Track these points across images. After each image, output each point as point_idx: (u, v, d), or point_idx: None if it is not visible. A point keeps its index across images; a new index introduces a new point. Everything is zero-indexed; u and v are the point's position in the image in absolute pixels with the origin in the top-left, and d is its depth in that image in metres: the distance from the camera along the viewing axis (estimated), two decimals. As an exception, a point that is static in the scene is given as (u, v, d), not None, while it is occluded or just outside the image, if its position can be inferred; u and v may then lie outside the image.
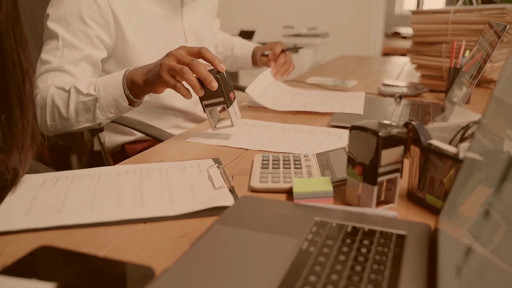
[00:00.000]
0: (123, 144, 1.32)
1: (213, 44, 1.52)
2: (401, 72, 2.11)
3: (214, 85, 0.92)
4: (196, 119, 1.40)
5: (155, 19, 1.26)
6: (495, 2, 2.91)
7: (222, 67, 0.95)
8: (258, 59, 1.56)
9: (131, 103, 1.03)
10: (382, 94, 1.54)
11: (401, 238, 0.58)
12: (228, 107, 0.97)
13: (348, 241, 0.57)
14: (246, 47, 1.66)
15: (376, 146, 0.65)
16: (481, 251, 0.40)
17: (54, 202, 0.69)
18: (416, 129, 0.70)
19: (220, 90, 0.94)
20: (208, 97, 0.96)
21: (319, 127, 1.13)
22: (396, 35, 5.37)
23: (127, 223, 0.64)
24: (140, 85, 0.99)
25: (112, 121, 1.21)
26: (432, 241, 0.58)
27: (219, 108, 1.00)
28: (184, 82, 0.95)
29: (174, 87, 0.94)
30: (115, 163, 1.29)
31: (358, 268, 0.51)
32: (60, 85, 1.07)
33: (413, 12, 1.87)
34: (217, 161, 0.86)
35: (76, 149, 2.44)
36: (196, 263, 0.52)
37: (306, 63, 2.72)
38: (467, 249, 0.43)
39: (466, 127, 0.67)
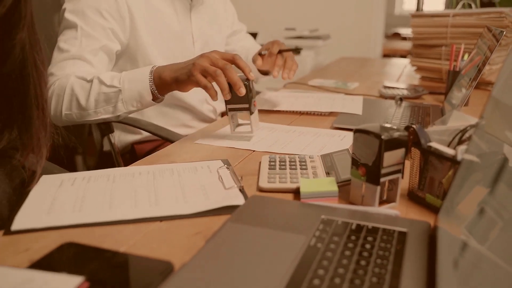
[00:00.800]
0: (132, 144, 1.36)
1: (221, 49, 1.55)
2: (402, 74, 2.15)
3: (242, 91, 0.97)
4: (203, 118, 1.44)
5: (166, 20, 1.30)
6: (494, 5, 2.94)
7: (252, 76, 1.00)
8: (254, 56, 1.41)
9: (154, 99, 1.06)
10: (383, 96, 1.58)
11: (402, 235, 0.62)
12: (251, 114, 1.02)
13: (353, 237, 0.61)
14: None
15: (379, 148, 0.68)
16: (475, 245, 0.44)
17: (74, 202, 0.73)
18: (416, 132, 0.74)
19: (246, 97, 0.99)
20: (233, 101, 1.00)
21: (323, 129, 1.17)
22: (396, 36, 5.41)
23: (143, 221, 0.68)
24: (167, 82, 1.03)
25: (123, 122, 1.25)
26: (431, 237, 0.62)
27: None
28: (214, 84, 0.99)
29: (205, 87, 0.98)
30: (124, 163, 1.33)
31: (362, 262, 0.55)
32: (81, 75, 1.10)
33: (413, 16, 1.91)
34: (226, 162, 0.90)
35: (82, 149, 2.48)
36: (211, 258, 0.56)
37: (308, 65, 2.76)
38: (463, 244, 0.47)
39: (464, 131, 0.71)
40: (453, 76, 1.46)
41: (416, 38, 1.92)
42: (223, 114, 1.56)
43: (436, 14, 1.86)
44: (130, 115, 1.27)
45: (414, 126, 0.74)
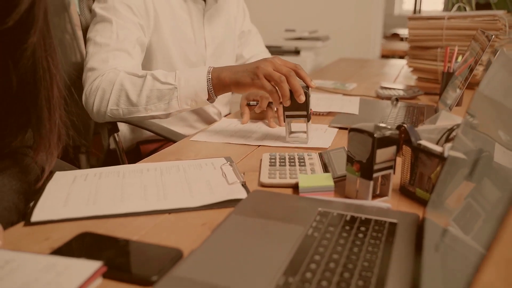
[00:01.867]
0: (137, 143, 1.41)
1: (232, 53, 1.57)
2: (399, 75, 2.20)
3: (302, 98, 1.00)
4: (208, 120, 1.49)
5: (182, 24, 1.36)
6: (491, 7, 2.99)
7: (313, 85, 1.04)
8: (242, 103, 1.33)
9: (208, 98, 1.09)
10: (379, 97, 1.63)
11: (393, 225, 0.67)
12: (308, 121, 1.06)
13: (347, 228, 0.66)
14: None
15: (372, 146, 0.74)
16: (452, 231, 0.49)
17: (88, 196, 0.78)
18: (407, 131, 0.79)
19: (305, 104, 1.02)
20: (292, 108, 1.03)
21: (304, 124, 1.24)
22: (395, 36, 5.46)
23: (153, 213, 0.73)
24: (226, 83, 1.06)
25: (129, 122, 1.30)
26: (420, 228, 0.67)
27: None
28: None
29: (270, 92, 1.01)
30: (129, 161, 1.38)
31: (355, 249, 0.60)
32: (131, 70, 1.13)
33: (410, 18, 1.96)
34: (229, 159, 0.95)
35: (86, 148, 2.53)
36: (217, 246, 0.61)
37: (307, 66, 2.81)
38: (443, 231, 0.52)
39: (451, 130, 0.76)
40: (447, 77, 1.51)
41: (413, 40, 1.97)
42: (225, 116, 1.61)
43: (431, 16, 1.91)
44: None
45: (405, 125, 0.79)
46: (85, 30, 1.39)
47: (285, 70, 1.01)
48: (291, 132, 1.11)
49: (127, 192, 0.80)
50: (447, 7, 3.44)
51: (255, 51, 1.66)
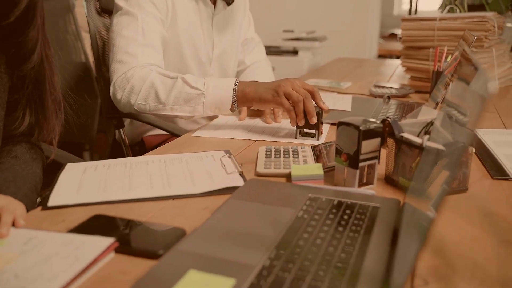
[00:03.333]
0: (142, 138, 1.48)
1: (235, 58, 1.65)
2: (393, 74, 2.27)
3: (314, 120, 1.11)
4: (211, 116, 1.57)
5: (194, 22, 1.44)
6: (484, 8, 3.06)
7: (325, 108, 1.15)
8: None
9: (231, 108, 1.19)
10: (372, 95, 1.70)
11: (375, 209, 0.74)
12: (317, 140, 1.15)
13: (334, 210, 0.73)
14: (247, 78, 1.62)
15: (358, 137, 0.81)
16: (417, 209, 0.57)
17: (98, 184, 0.85)
18: (391, 124, 0.87)
19: (317, 125, 1.13)
20: (304, 126, 1.14)
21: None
22: (393, 36, 5.53)
23: (159, 199, 0.80)
24: (249, 97, 1.16)
25: (135, 118, 1.38)
26: (400, 211, 0.74)
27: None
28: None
29: (288, 110, 1.12)
30: (134, 155, 1.45)
31: (340, 228, 0.67)
32: (162, 71, 1.21)
33: (403, 19, 2.03)
34: (227, 152, 1.02)
35: (89, 146, 2.61)
36: (216, 225, 0.68)
37: (305, 65, 2.88)
38: (413, 210, 0.59)
39: (430, 123, 0.83)
40: (437, 76, 1.58)
41: (406, 40, 2.04)
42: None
43: (424, 18, 1.98)
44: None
45: (389, 119, 0.87)
46: (93, 31, 1.46)
47: (303, 92, 1.11)
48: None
49: (134, 181, 0.87)
50: (443, 8, 3.51)
51: (257, 58, 1.74)
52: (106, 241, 0.62)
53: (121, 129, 1.45)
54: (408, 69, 2.10)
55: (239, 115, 1.33)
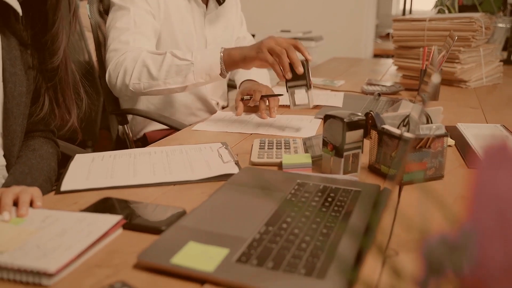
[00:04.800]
0: (144, 133, 1.56)
1: None
2: (386, 73, 2.35)
3: (301, 69, 1.15)
4: (209, 109, 1.65)
5: (187, 20, 1.52)
6: (476, 9, 3.14)
7: (310, 58, 1.18)
8: (236, 98, 1.47)
9: (220, 74, 1.25)
10: (364, 92, 1.78)
11: (357, 192, 0.82)
12: (308, 89, 1.19)
13: (319, 194, 0.81)
14: (240, 79, 1.67)
15: (342, 129, 0.89)
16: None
17: (105, 171, 0.93)
18: (374, 117, 0.94)
19: (304, 75, 1.16)
20: (293, 79, 1.17)
21: (293, 115, 1.41)
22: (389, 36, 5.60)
23: (161, 185, 0.88)
24: (236, 59, 1.22)
25: (137, 114, 1.46)
26: (379, 194, 0.82)
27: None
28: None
29: (272, 65, 1.16)
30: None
31: (324, 209, 0.75)
32: (152, 50, 1.30)
33: (394, 20, 2.11)
34: (224, 144, 1.10)
35: (92, 143, 2.69)
36: (213, 205, 0.76)
37: (301, 65, 2.96)
38: (388, 191, 0.67)
39: (408, 116, 0.91)
40: (425, 74, 1.66)
41: (397, 40, 2.12)
42: (223, 107, 1.76)
43: (414, 18, 2.06)
44: (143, 108, 1.48)
45: (372, 112, 0.94)
46: (95, 32, 1.54)
47: (285, 45, 1.16)
48: (296, 104, 1.23)
49: (138, 169, 0.95)
50: (436, 8, 3.58)
51: None
52: (115, 218, 0.70)
53: (125, 125, 1.53)
54: (400, 68, 2.18)
55: (236, 111, 1.41)
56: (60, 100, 0.96)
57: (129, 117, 1.57)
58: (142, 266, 0.61)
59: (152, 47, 1.40)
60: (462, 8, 3.47)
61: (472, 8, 3.28)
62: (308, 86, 1.18)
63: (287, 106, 1.50)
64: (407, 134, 0.84)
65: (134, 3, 1.40)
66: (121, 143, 1.60)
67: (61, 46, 0.91)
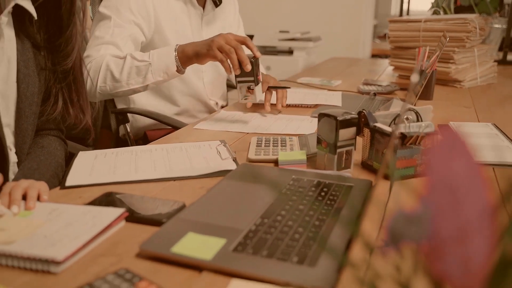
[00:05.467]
0: (144, 131, 1.60)
1: None
2: (383, 73, 2.39)
3: (249, 67, 1.21)
4: (208, 110, 1.68)
5: (183, 24, 1.56)
6: (473, 9, 3.18)
7: (258, 55, 1.25)
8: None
9: (177, 70, 1.31)
10: (360, 92, 1.82)
11: (349, 187, 0.86)
12: (255, 86, 1.26)
13: (313, 189, 0.85)
14: None
15: (336, 126, 0.92)
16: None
17: (108, 168, 0.97)
18: (366, 116, 0.98)
19: (252, 72, 1.23)
20: (242, 75, 1.24)
21: (295, 115, 1.44)
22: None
23: (161, 180, 0.92)
24: (189, 55, 1.28)
25: (139, 113, 1.50)
26: (371, 189, 0.86)
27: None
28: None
29: (221, 61, 1.22)
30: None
31: (317, 203, 0.79)
32: (115, 53, 1.35)
33: (390, 21, 2.15)
34: (223, 141, 1.14)
35: (92, 142, 2.71)
36: (211, 199, 0.80)
37: (300, 65, 3.00)
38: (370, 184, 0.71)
39: (397, 114, 0.95)
40: (420, 74, 1.69)
41: (393, 40, 2.16)
42: (222, 107, 1.80)
43: (410, 19, 2.10)
44: (146, 107, 1.52)
45: (364, 111, 0.98)
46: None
47: (234, 43, 1.22)
48: (246, 97, 1.31)
49: (140, 165, 0.98)
50: (436, 6, 3.62)
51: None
52: (118, 211, 0.74)
53: (126, 124, 1.56)
54: (396, 68, 2.21)
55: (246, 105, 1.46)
56: (75, 100, 0.99)
57: (130, 116, 1.60)
58: (144, 255, 0.64)
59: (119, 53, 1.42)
60: (459, 9, 3.51)
61: (469, 9, 3.32)
62: (255, 82, 1.26)
63: (297, 106, 1.55)
64: (389, 129, 0.88)
65: (119, 12, 1.43)
66: (122, 142, 1.63)
67: (75, 48, 0.94)
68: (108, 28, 1.40)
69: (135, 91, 1.37)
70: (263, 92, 1.43)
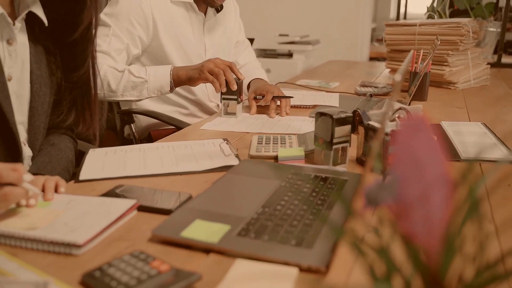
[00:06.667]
0: (149, 132, 1.67)
1: (227, 58, 1.79)
2: (380, 75, 2.46)
3: (235, 87, 1.40)
4: (208, 111, 1.75)
5: (183, 31, 1.63)
6: (469, 13, 3.24)
7: (242, 77, 1.45)
8: (249, 97, 1.59)
9: (170, 90, 1.47)
10: (357, 94, 1.88)
11: (344, 181, 0.92)
12: (238, 103, 1.45)
13: (310, 181, 0.91)
14: (248, 77, 1.78)
15: (332, 124, 0.99)
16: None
17: (118, 163, 1.03)
18: (360, 115, 1.05)
19: (237, 91, 1.41)
20: (227, 93, 1.42)
21: (295, 116, 1.50)
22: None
23: (169, 175, 0.98)
24: (182, 79, 1.45)
25: (144, 114, 1.57)
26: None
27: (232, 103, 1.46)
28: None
29: (212, 82, 1.39)
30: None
31: (314, 194, 0.85)
32: (112, 65, 1.44)
33: (387, 25, 2.21)
34: (226, 139, 1.20)
35: (96, 143, 2.77)
36: (216, 191, 0.86)
37: (299, 67, 3.07)
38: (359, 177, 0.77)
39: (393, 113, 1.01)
40: (414, 76, 1.76)
41: (390, 44, 2.22)
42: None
43: (405, 23, 2.17)
44: (150, 108, 1.58)
45: (359, 110, 1.05)
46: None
47: (222, 67, 1.39)
48: (227, 113, 1.49)
49: (148, 161, 1.05)
50: (432, 10, 3.69)
51: (248, 59, 1.95)
52: (130, 202, 0.80)
53: (131, 124, 1.63)
54: (392, 71, 2.28)
55: (250, 110, 1.53)
56: (86, 113, 1.05)
57: (134, 116, 1.67)
58: (156, 240, 0.71)
59: (115, 66, 1.49)
60: (456, 13, 3.58)
61: (465, 13, 3.39)
62: (238, 101, 1.44)
63: (296, 107, 1.61)
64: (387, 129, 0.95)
65: (118, 21, 1.51)
66: (127, 142, 1.69)
67: (88, 57, 1.00)
68: (106, 37, 1.49)
69: (128, 102, 1.50)
70: (268, 102, 1.52)
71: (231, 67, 1.41)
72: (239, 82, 1.42)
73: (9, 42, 0.93)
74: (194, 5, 1.62)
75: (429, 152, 0.30)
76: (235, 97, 1.43)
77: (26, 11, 0.94)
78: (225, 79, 1.38)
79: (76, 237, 0.68)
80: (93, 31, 0.98)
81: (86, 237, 0.68)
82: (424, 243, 0.32)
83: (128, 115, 1.64)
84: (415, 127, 0.30)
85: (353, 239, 0.36)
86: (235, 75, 1.42)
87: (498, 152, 1.11)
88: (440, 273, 0.32)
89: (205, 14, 1.68)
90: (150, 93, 1.46)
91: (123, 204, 0.79)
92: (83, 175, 0.96)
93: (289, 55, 3.18)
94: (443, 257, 0.32)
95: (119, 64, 1.48)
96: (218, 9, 1.69)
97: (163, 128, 1.66)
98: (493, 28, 3.08)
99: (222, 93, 1.42)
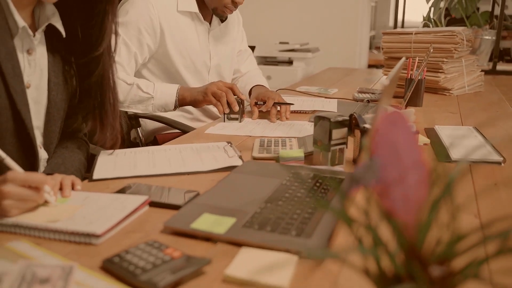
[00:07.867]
0: (155, 136, 1.73)
1: (231, 67, 1.92)
2: (377, 82, 2.52)
3: (236, 108, 1.51)
4: (211, 116, 1.82)
5: (189, 39, 1.70)
6: (464, 22, 3.32)
7: (243, 98, 1.55)
8: (251, 102, 1.64)
9: (174, 108, 1.59)
10: (355, 99, 1.95)
11: (341, 180, 0.99)
12: (239, 122, 1.54)
13: (309, 181, 0.97)
14: (250, 84, 1.86)
15: (329, 127, 1.05)
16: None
17: (129, 164, 1.10)
18: (357, 118, 1.11)
19: (239, 111, 1.53)
20: (230, 113, 1.54)
21: (296, 121, 1.56)
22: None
23: (176, 174, 1.05)
24: (186, 100, 1.58)
25: (150, 118, 1.64)
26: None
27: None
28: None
29: (216, 105, 1.52)
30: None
31: (312, 191, 0.91)
32: (122, 77, 1.52)
33: (384, 33, 2.29)
34: (229, 142, 1.27)
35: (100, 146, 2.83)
36: (222, 188, 0.93)
37: (299, 74, 3.14)
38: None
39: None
40: (409, 83, 1.83)
41: (387, 51, 2.29)
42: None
43: (402, 32, 2.24)
44: (156, 113, 1.65)
45: (355, 114, 1.11)
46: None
47: (225, 89, 1.51)
48: (231, 118, 1.56)
49: (157, 162, 1.11)
50: (428, 19, 3.77)
51: (251, 67, 2.03)
52: (142, 198, 0.87)
53: (138, 128, 1.70)
54: (389, 77, 2.35)
55: (252, 115, 1.59)
56: (104, 119, 1.11)
57: (141, 120, 1.73)
58: (167, 231, 0.77)
59: (126, 76, 1.57)
60: (452, 21, 3.66)
61: (460, 21, 3.47)
62: (240, 120, 1.55)
63: (296, 112, 1.67)
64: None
65: (127, 29, 1.58)
66: (133, 146, 1.76)
67: (99, 63, 1.06)
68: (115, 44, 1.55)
69: (133, 113, 1.60)
70: (269, 108, 1.58)
71: (232, 89, 1.51)
72: (240, 102, 1.52)
73: (29, 52, 0.99)
74: (200, 15, 1.70)
75: (406, 140, 0.36)
76: (237, 116, 1.54)
77: (46, 24, 1.00)
78: (227, 101, 1.49)
79: (95, 228, 0.74)
80: (111, 48, 1.05)
81: (104, 228, 0.75)
82: (403, 218, 0.38)
83: (135, 119, 1.70)
84: (394, 119, 0.37)
85: (348, 218, 0.42)
86: (238, 96, 1.52)
87: (485, 153, 1.17)
88: (417, 244, 0.39)
89: (210, 23, 1.75)
90: (154, 109, 1.58)
91: (136, 200, 0.86)
92: (96, 175, 1.03)
93: (289, 62, 3.26)
94: (419, 230, 0.38)
95: (129, 76, 1.56)
96: (223, 19, 1.76)
97: (168, 132, 1.72)
98: (488, 36, 3.16)
99: (225, 114, 1.53)
